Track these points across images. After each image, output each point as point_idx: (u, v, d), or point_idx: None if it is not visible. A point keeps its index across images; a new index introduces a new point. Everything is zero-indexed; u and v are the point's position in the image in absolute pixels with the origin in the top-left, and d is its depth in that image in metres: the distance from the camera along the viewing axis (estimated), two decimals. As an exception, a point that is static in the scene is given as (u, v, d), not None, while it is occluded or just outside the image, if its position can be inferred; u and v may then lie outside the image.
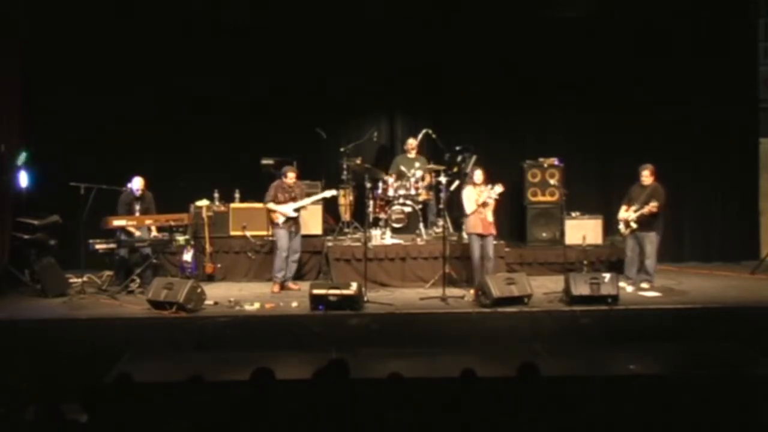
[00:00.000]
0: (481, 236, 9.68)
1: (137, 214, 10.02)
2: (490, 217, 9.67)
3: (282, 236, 9.92)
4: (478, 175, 9.72)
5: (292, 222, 9.94)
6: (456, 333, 8.79)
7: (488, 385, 5.96)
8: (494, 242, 9.97)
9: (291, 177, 9.92)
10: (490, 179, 9.78)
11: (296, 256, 10.07)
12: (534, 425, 4.89)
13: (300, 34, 11.49)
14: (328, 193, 10.36)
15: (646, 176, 9.68)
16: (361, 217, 10.97)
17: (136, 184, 10.02)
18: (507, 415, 5.00)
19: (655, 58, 11.54)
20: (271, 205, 9.93)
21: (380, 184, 10.88)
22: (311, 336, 8.61)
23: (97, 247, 9.62)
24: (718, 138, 11.74)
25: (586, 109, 11.72)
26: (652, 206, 9.42)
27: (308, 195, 10.30)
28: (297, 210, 9.93)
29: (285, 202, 9.92)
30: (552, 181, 11.13)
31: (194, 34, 11.37)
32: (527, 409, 5.10)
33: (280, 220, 9.90)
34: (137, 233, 9.98)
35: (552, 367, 7.57)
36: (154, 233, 10.07)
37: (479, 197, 9.59)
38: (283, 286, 9.95)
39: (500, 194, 9.67)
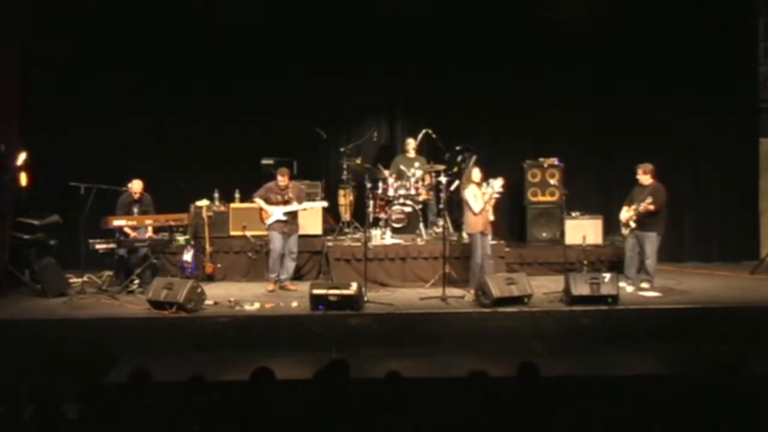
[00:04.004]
0: (484, 235, 9.69)
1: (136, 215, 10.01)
2: (491, 215, 9.69)
3: (274, 237, 9.90)
4: (477, 173, 9.72)
5: (284, 224, 9.88)
6: (456, 333, 8.79)
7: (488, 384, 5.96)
8: (493, 242, 10.02)
9: (281, 180, 9.88)
10: (488, 179, 9.79)
11: (293, 257, 10.02)
12: (534, 425, 4.88)
13: (300, 34, 11.50)
14: (319, 204, 10.31)
15: (641, 174, 9.67)
16: (361, 217, 10.97)
17: (135, 186, 10.02)
18: (506, 414, 4.99)
19: (655, 58, 11.54)
20: (258, 201, 9.91)
21: (380, 184, 10.88)
22: (311, 336, 8.61)
23: (97, 247, 9.62)
24: (718, 138, 11.74)
25: (586, 109, 11.72)
26: (648, 203, 9.41)
27: (308, 197, 10.29)
28: (287, 214, 9.87)
29: (276, 204, 9.88)
30: (552, 181, 11.14)
31: (195, 34, 11.38)
32: (527, 408, 5.09)
33: (269, 220, 9.87)
34: (133, 234, 9.97)
35: (552, 367, 7.58)
36: (149, 233, 10.05)
37: (485, 195, 9.59)
38: (281, 287, 9.94)
39: (503, 186, 9.65)
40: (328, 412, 5.00)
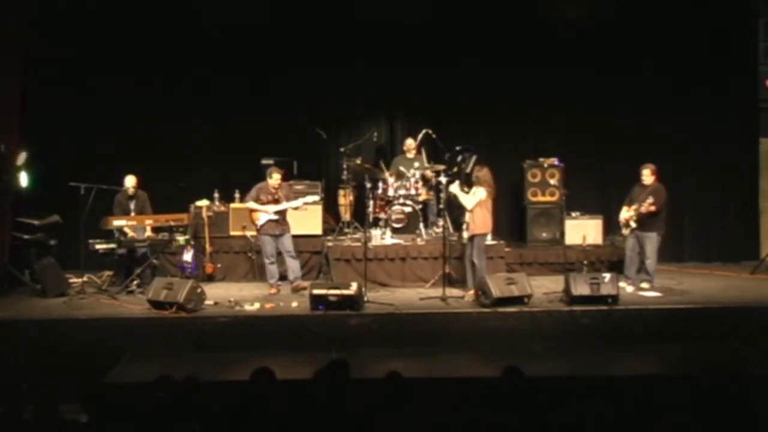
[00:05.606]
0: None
1: (132, 213, 10.02)
2: (465, 217, 9.68)
3: (266, 242, 9.81)
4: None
5: (275, 225, 9.80)
6: (456, 333, 8.78)
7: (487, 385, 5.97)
8: (493, 242, 10.12)
9: (276, 178, 9.81)
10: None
11: (292, 255, 9.93)
12: (533, 425, 4.89)
13: (300, 34, 11.50)
14: (310, 198, 10.17)
15: (647, 175, 9.68)
16: (361, 217, 10.97)
17: (129, 182, 10.02)
18: (506, 415, 5.00)
19: (655, 57, 11.55)
20: (252, 204, 9.86)
21: (380, 184, 10.88)
22: (311, 336, 8.61)
23: (97, 247, 9.62)
24: (718, 138, 11.74)
25: (586, 109, 11.71)
26: (649, 204, 9.41)
27: (304, 195, 10.25)
28: (278, 212, 9.79)
29: (267, 203, 9.80)
30: (552, 181, 11.14)
31: (195, 34, 11.39)
32: (524, 409, 5.10)
33: (260, 220, 9.77)
34: (131, 233, 9.97)
35: (552, 367, 7.60)
36: (148, 233, 10.05)
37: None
38: (293, 288, 9.82)
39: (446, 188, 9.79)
40: (328, 412, 5.00)
